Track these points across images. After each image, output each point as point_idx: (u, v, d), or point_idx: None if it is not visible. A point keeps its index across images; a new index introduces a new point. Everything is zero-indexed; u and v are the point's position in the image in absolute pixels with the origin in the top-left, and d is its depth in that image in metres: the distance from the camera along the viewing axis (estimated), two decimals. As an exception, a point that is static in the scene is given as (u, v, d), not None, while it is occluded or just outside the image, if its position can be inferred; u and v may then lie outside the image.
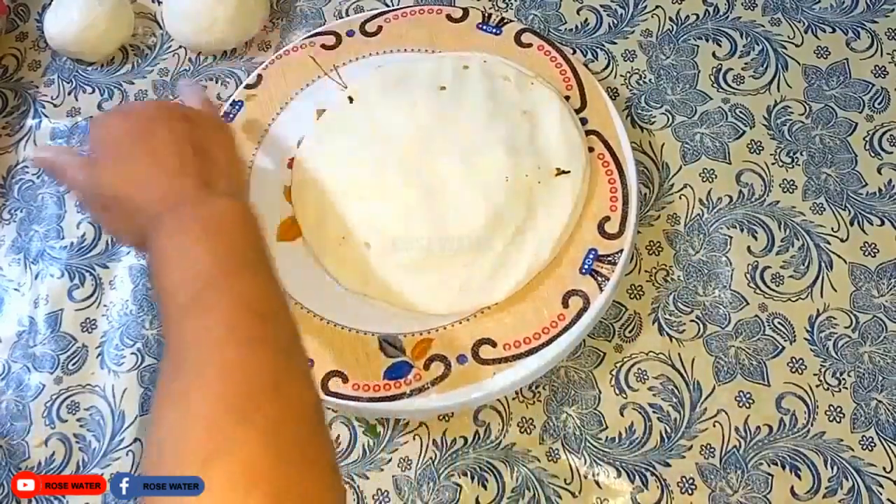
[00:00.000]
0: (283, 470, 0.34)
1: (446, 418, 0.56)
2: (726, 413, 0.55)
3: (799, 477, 0.53)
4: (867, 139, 0.62)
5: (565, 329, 0.53)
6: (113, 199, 0.45)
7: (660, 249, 0.60)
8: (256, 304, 0.40)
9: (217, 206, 0.43)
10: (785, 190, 0.61)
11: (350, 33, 0.65)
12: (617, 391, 0.56)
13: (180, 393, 0.37)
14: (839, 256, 0.59)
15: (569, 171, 0.56)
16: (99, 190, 0.46)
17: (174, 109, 0.48)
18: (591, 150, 0.58)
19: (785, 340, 0.57)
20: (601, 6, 0.69)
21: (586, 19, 0.69)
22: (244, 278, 0.41)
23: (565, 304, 0.54)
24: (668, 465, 0.54)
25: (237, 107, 0.63)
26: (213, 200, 0.44)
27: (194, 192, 0.44)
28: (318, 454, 0.36)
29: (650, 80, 0.66)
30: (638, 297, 0.59)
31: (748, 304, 0.58)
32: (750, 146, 0.63)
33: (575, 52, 0.67)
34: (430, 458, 0.55)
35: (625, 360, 0.57)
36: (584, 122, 0.59)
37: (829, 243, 0.59)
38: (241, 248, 0.42)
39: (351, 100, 0.61)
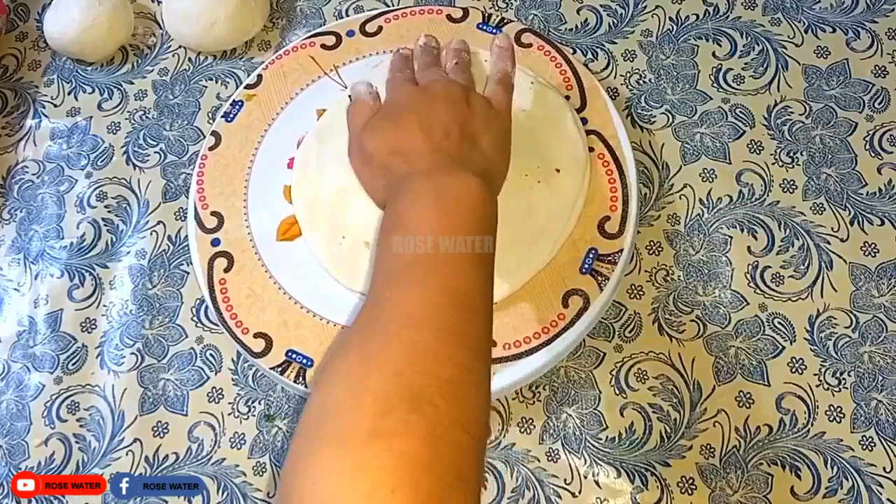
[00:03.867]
0: (434, 480, 0.33)
1: (446, 418, 0.56)
2: (726, 413, 0.55)
3: (799, 477, 0.53)
4: (867, 139, 0.62)
5: (565, 329, 0.53)
6: (377, 158, 0.49)
7: (660, 249, 0.60)
8: (461, 295, 0.40)
9: (460, 181, 0.45)
10: (785, 190, 0.61)
11: (350, 33, 0.65)
12: (617, 391, 0.56)
13: (360, 360, 0.37)
14: (839, 256, 0.59)
15: (569, 171, 0.56)
16: (369, 146, 0.50)
17: (463, 96, 0.50)
18: (591, 150, 0.58)
19: (785, 340, 0.57)
20: (601, 6, 0.70)
21: (586, 19, 0.69)
22: (459, 264, 0.41)
23: (565, 304, 0.54)
24: (668, 465, 0.54)
25: (237, 107, 0.63)
26: (459, 174, 0.45)
27: (447, 164, 0.46)
28: (470, 474, 0.35)
29: (650, 79, 0.66)
30: (638, 296, 0.59)
31: (748, 304, 0.58)
32: (750, 146, 0.63)
33: (575, 51, 0.67)
34: (430, 458, 0.55)
35: (625, 360, 0.57)
36: (584, 122, 0.59)
37: (829, 243, 0.59)
38: (467, 228, 0.43)
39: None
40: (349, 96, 0.56)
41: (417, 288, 0.40)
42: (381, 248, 0.44)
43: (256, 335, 0.55)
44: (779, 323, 0.57)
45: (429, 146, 0.47)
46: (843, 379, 0.55)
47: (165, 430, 0.58)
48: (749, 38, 0.67)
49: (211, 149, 0.62)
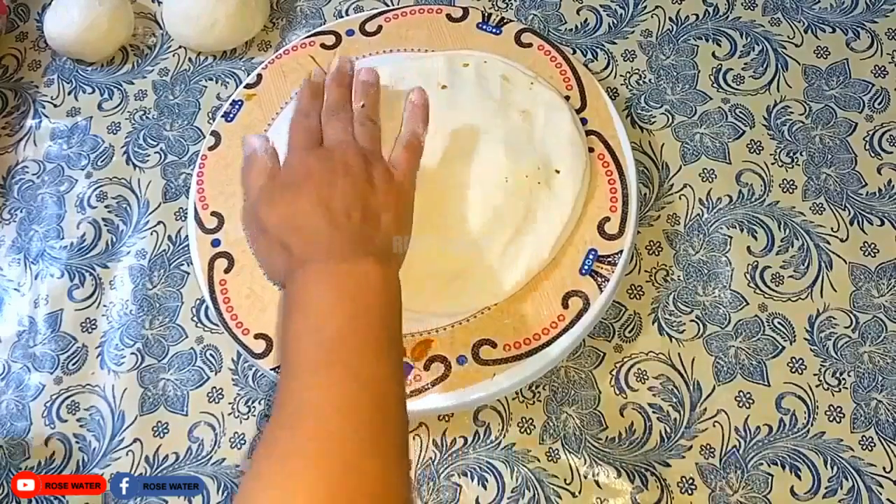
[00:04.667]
0: None
1: (446, 418, 0.56)
2: (726, 413, 0.55)
3: (799, 477, 0.53)
4: (867, 139, 0.62)
5: (565, 330, 0.53)
6: (273, 233, 0.47)
7: (660, 249, 0.60)
8: (373, 390, 0.41)
9: (361, 267, 0.44)
10: (785, 190, 0.61)
11: (350, 33, 0.65)
12: (617, 391, 0.56)
13: (280, 459, 0.38)
14: (839, 256, 0.59)
15: (569, 172, 0.56)
16: (265, 218, 0.47)
17: (365, 169, 0.48)
18: (591, 150, 0.58)
19: (785, 340, 0.57)
20: (601, 6, 0.69)
21: (586, 19, 0.69)
22: (367, 356, 0.42)
23: (565, 305, 0.54)
24: (668, 465, 0.54)
25: (237, 106, 0.63)
26: (359, 260, 0.44)
27: (346, 248, 0.45)
28: None
29: (650, 80, 0.66)
30: (638, 297, 0.59)
31: (748, 304, 0.58)
32: (750, 146, 0.63)
33: (575, 52, 0.67)
34: (430, 458, 0.56)
35: (625, 360, 0.57)
36: (584, 122, 0.59)
37: (828, 243, 0.59)
38: (372, 318, 0.43)
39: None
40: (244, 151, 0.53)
41: (333, 386, 0.40)
42: (285, 337, 0.43)
43: (257, 336, 0.55)
44: (779, 323, 0.57)
45: (328, 225, 0.45)
46: (843, 379, 0.55)
47: (165, 430, 0.58)
48: (749, 39, 0.67)
49: (211, 149, 0.62)
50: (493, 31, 0.64)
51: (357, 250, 0.45)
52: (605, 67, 0.67)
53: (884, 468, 0.53)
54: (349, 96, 0.54)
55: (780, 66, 0.65)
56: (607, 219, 0.56)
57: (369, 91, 0.54)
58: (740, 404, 0.55)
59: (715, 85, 0.65)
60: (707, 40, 0.67)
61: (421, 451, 0.56)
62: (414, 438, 0.56)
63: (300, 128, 0.52)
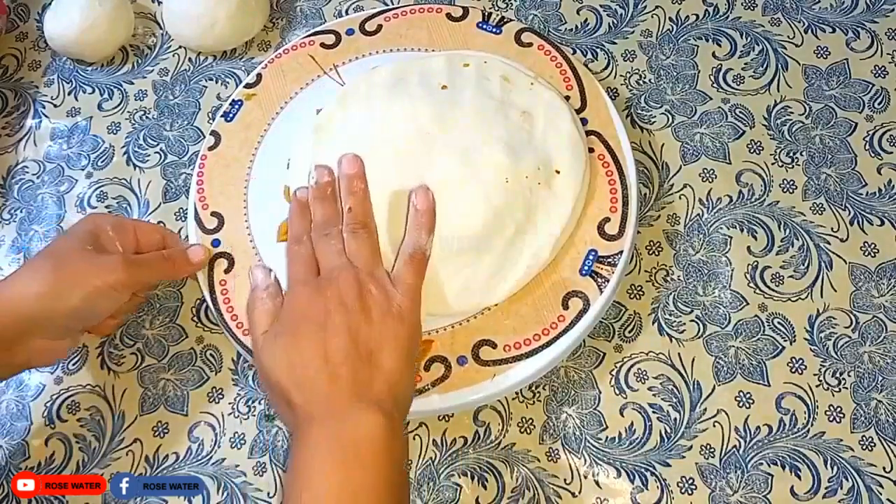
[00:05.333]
0: None
1: (446, 418, 0.56)
2: (726, 413, 0.55)
3: (799, 477, 0.53)
4: (867, 139, 0.62)
5: (565, 331, 0.53)
6: (273, 383, 0.47)
7: (660, 249, 0.60)
8: None
9: (362, 426, 0.44)
10: (785, 190, 0.61)
11: (350, 32, 0.65)
12: (617, 391, 0.56)
13: None
14: (839, 256, 0.59)
15: (569, 172, 0.56)
16: (269, 371, 0.47)
17: (359, 297, 0.48)
18: (591, 150, 0.58)
19: (785, 340, 0.57)
20: (601, 6, 0.69)
21: (586, 19, 0.69)
22: None
23: (565, 306, 0.54)
24: (668, 465, 0.54)
25: (237, 106, 0.63)
26: (360, 417, 0.44)
27: (344, 402, 0.45)
28: None
29: (650, 80, 0.66)
30: (638, 297, 0.59)
31: (748, 304, 0.58)
32: (750, 146, 0.63)
33: (575, 52, 0.67)
34: (430, 458, 0.56)
35: (625, 360, 0.57)
36: (584, 122, 0.59)
37: (829, 243, 0.59)
38: (374, 471, 0.43)
39: (350, 99, 0.61)
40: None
41: None
42: (289, 496, 0.43)
43: (257, 335, 0.55)
44: (779, 323, 0.57)
45: (325, 379, 0.45)
46: (843, 379, 0.55)
47: (165, 430, 0.58)
48: (749, 39, 0.67)
49: (210, 149, 0.62)
50: (493, 30, 0.64)
51: (355, 403, 0.45)
52: (605, 67, 0.67)
53: (884, 468, 0.53)
54: (336, 209, 0.53)
55: (780, 66, 0.65)
56: (607, 219, 0.56)
57: (355, 189, 0.53)
58: (740, 404, 0.55)
59: (715, 85, 0.65)
60: (707, 40, 0.67)
61: (421, 451, 0.56)
62: (414, 438, 0.56)
63: (294, 258, 0.52)
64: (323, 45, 0.65)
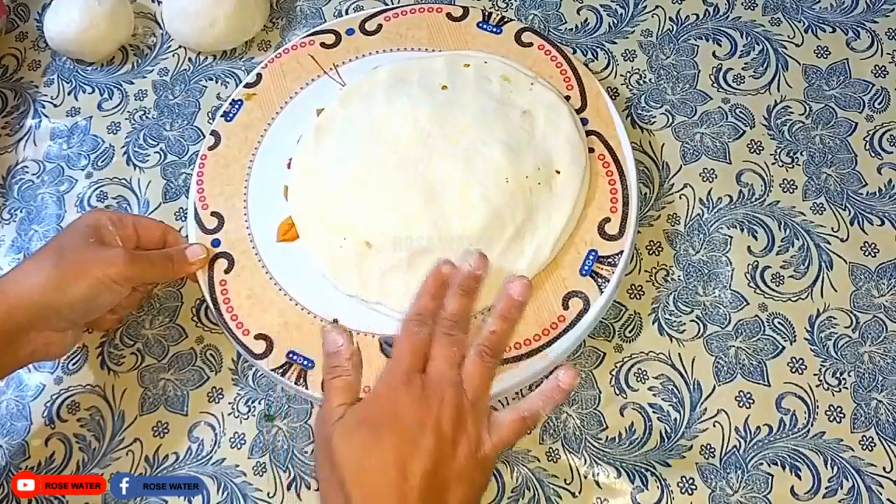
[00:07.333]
0: None
1: (446, 418, 0.56)
2: (726, 413, 0.55)
3: (799, 477, 0.53)
4: (867, 139, 0.62)
5: (565, 331, 0.53)
6: (339, 475, 0.44)
7: (660, 249, 0.60)
8: None
9: None
10: (785, 190, 0.61)
11: (350, 32, 0.65)
12: (617, 391, 0.56)
13: None
14: (839, 256, 0.59)
15: (569, 172, 0.56)
16: (336, 451, 0.45)
17: (455, 425, 0.46)
18: (591, 150, 0.58)
19: (785, 340, 0.57)
20: (601, 6, 0.69)
21: (586, 19, 0.69)
22: None
23: (565, 306, 0.54)
24: (668, 465, 0.54)
25: (236, 106, 0.63)
26: None
27: None
28: None
29: (650, 80, 0.66)
30: (638, 297, 0.59)
31: (748, 304, 0.58)
32: (750, 146, 0.63)
33: (575, 51, 0.67)
34: (431, 459, 0.55)
35: (625, 360, 0.57)
36: (584, 122, 0.59)
37: (829, 243, 0.59)
38: None
39: (350, 99, 0.61)
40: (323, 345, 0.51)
41: None
42: None
43: (257, 336, 0.55)
44: (779, 323, 0.57)
45: (396, 491, 0.43)
46: (843, 379, 0.55)
47: (165, 430, 0.58)
48: (749, 38, 0.67)
49: (210, 148, 0.62)
50: (494, 30, 0.64)
51: None
52: (606, 67, 0.67)
53: (884, 468, 0.53)
54: (471, 309, 0.50)
55: (780, 65, 0.65)
56: (607, 219, 0.56)
57: (510, 312, 0.50)
58: (740, 404, 0.55)
59: (715, 85, 0.65)
60: (707, 40, 0.67)
61: (421, 451, 0.56)
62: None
63: (409, 339, 0.49)
64: (323, 44, 0.65)
